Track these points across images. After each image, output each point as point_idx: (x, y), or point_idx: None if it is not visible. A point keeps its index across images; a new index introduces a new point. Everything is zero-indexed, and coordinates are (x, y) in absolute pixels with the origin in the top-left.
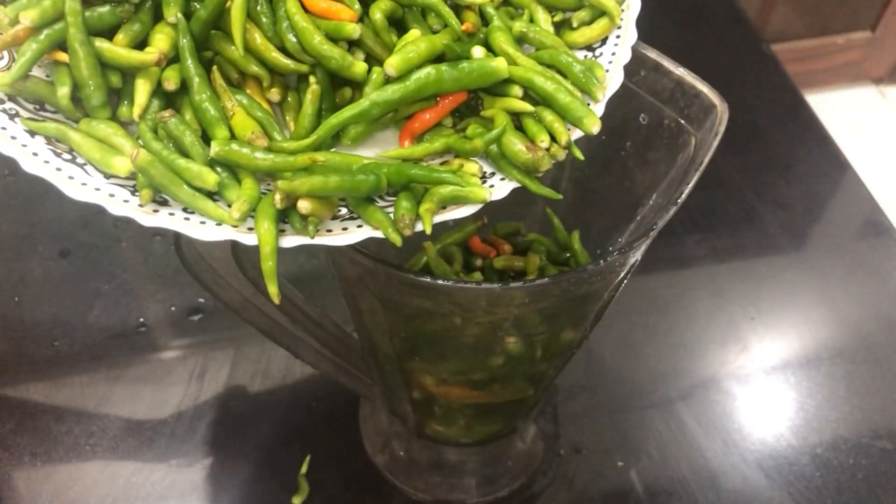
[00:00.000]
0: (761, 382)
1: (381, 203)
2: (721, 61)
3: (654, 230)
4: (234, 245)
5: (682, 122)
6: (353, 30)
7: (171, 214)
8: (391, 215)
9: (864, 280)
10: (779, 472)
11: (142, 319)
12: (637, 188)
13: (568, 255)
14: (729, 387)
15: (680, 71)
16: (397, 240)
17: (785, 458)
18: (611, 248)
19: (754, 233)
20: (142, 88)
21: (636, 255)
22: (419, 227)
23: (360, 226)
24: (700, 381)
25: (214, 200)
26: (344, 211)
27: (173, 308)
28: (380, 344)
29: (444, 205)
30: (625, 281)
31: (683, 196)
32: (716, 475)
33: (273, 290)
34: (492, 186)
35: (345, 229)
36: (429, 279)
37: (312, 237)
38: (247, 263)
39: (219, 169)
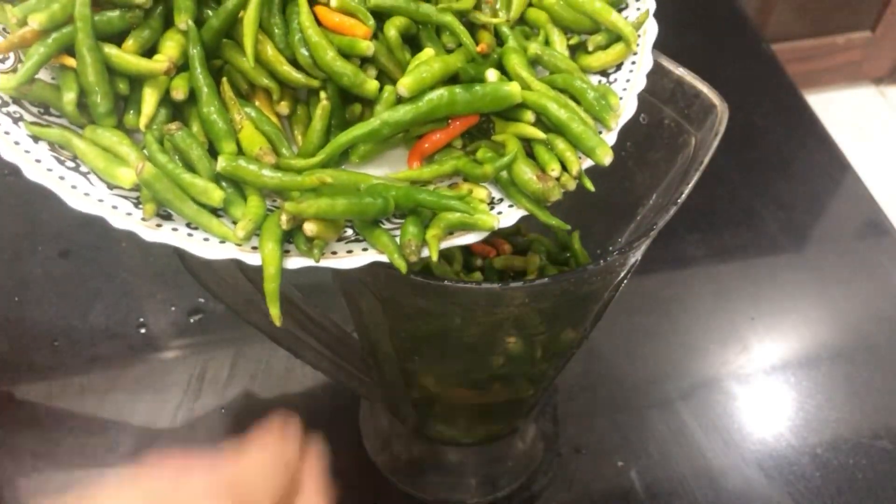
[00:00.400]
0: (761, 382)
1: (388, 226)
2: (721, 61)
3: (654, 230)
4: None
5: (682, 122)
6: (367, 47)
7: (175, 230)
8: (397, 239)
9: (864, 280)
10: (779, 472)
11: (142, 319)
12: (637, 188)
13: (568, 255)
14: (729, 387)
15: (680, 71)
16: (402, 266)
17: (785, 458)
18: (611, 248)
19: (754, 233)
20: (149, 97)
21: (636, 255)
22: (425, 252)
23: (365, 249)
24: (700, 381)
25: (218, 217)
26: (349, 232)
27: (173, 308)
28: (380, 344)
29: (450, 230)
30: (625, 281)
31: (683, 196)
32: (716, 475)
33: (275, 312)
34: (500, 213)
35: (350, 252)
36: (429, 279)
37: (317, 261)
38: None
39: (224, 184)
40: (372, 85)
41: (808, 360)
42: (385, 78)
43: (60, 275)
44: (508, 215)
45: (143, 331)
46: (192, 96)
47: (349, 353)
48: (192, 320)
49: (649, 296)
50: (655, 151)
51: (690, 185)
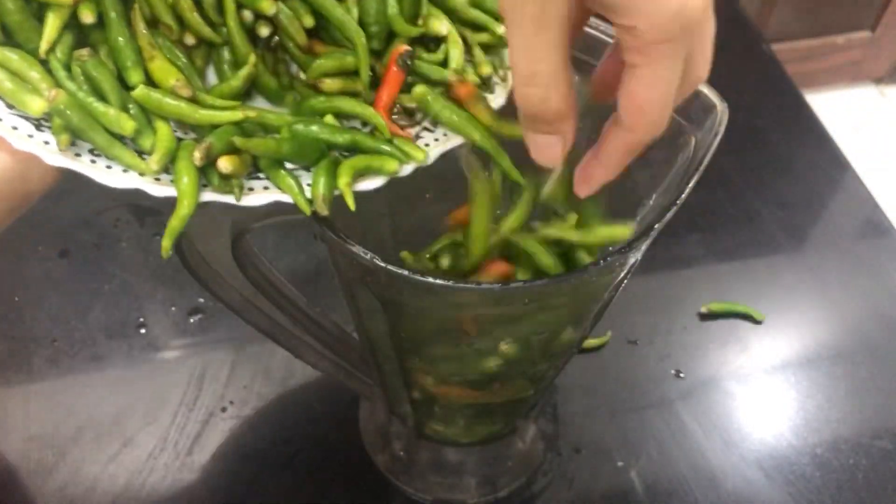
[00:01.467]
0: (761, 382)
1: (290, 166)
2: (721, 61)
3: (655, 230)
4: (235, 245)
5: (682, 122)
6: (269, 6)
7: (78, 156)
8: (301, 180)
9: (864, 280)
10: (779, 472)
11: (142, 319)
12: (637, 188)
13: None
14: (729, 387)
15: None
16: (306, 208)
17: (785, 457)
18: (611, 248)
19: (754, 233)
20: (52, 22)
21: (636, 256)
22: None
23: (266, 188)
24: (700, 381)
25: (125, 146)
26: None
27: (173, 308)
28: (380, 344)
29: (360, 174)
30: (625, 281)
31: (683, 196)
32: (715, 475)
33: (167, 244)
34: (427, 145)
35: (251, 189)
36: (429, 279)
37: (238, 200)
38: (247, 263)
39: (133, 112)
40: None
41: (808, 360)
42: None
43: (60, 275)
44: (434, 149)
45: (143, 331)
46: (101, 23)
47: (349, 353)
48: (192, 320)
49: (649, 295)
50: (655, 151)
51: (690, 185)
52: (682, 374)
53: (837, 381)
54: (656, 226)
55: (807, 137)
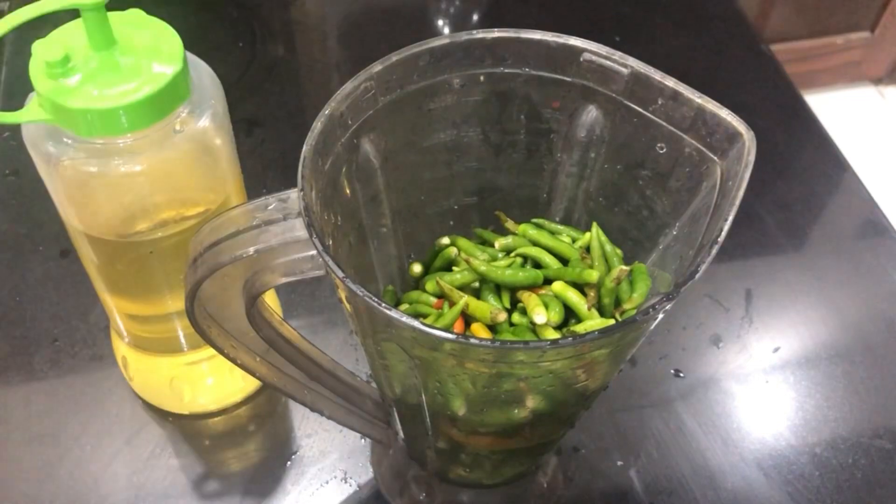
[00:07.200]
0: (760, 382)
1: None
2: (721, 62)
3: (700, 271)
4: (249, 306)
5: (705, 150)
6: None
7: None
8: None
9: (863, 280)
10: (778, 472)
11: None
12: (657, 218)
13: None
14: (728, 386)
15: (700, 99)
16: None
17: (784, 457)
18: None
19: (754, 233)
20: None
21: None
22: None
23: None
24: (700, 380)
25: None
26: None
27: None
28: (406, 400)
29: None
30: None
31: (723, 234)
32: (715, 474)
33: None
34: None
35: None
36: (475, 341)
37: None
38: (262, 322)
39: None
40: None
41: (807, 360)
42: None
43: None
44: None
45: None
46: None
47: (364, 402)
48: None
49: None
50: (676, 180)
51: (728, 222)
52: (681, 374)
53: (836, 381)
54: (701, 267)
55: (806, 138)
